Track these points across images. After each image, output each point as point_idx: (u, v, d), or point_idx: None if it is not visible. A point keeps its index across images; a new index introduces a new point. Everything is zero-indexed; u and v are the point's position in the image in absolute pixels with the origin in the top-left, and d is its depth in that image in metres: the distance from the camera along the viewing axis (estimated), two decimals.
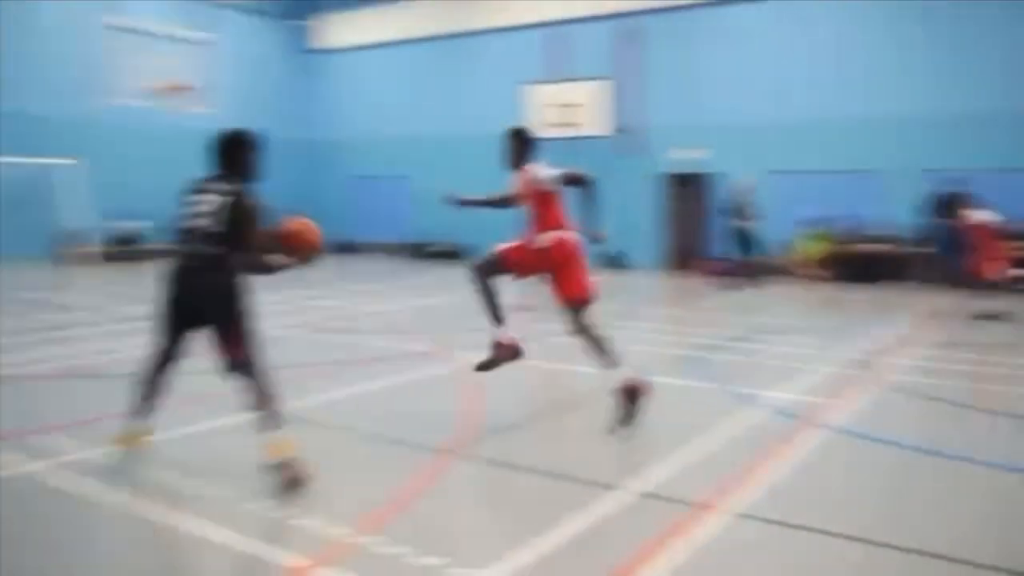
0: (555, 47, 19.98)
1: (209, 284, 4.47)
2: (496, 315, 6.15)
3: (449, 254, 21.46)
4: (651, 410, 5.80)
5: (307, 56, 24.76)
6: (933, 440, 5.30)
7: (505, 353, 6.11)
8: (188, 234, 4.55)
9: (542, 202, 6.08)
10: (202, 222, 4.50)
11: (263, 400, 4.44)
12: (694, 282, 15.35)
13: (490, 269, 6.15)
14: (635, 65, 18.97)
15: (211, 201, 4.55)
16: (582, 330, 5.95)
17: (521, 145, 6.51)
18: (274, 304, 11.99)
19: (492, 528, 4.00)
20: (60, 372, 7.22)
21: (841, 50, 16.63)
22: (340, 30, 24.13)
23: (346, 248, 23.67)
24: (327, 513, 3.95)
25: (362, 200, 23.62)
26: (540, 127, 19.02)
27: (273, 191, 13.27)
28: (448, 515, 4.11)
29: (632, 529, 3.86)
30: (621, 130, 18.80)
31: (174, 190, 16.67)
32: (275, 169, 20.41)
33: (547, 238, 5.99)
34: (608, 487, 4.34)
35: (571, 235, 6.04)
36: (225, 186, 4.62)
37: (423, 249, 22.07)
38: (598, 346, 5.87)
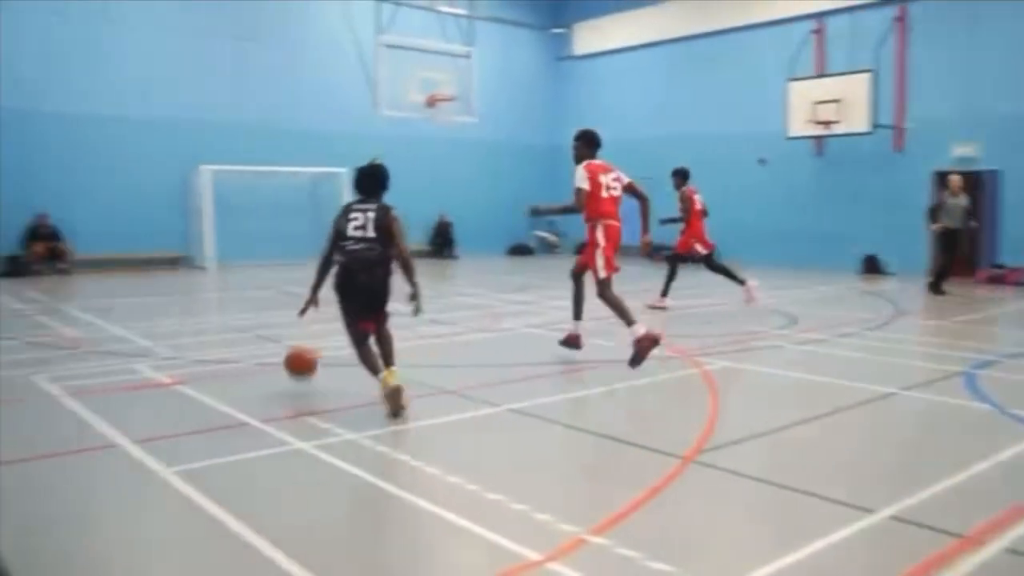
0: (814, 40, 19.00)
1: (379, 274, 5.99)
2: (628, 319, 7.48)
3: (682, 258, 21.11)
4: (917, 431, 5.33)
5: (560, 63, 25.38)
6: None
7: (647, 344, 7.28)
8: (352, 240, 5.95)
9: (590, 200, 7.62)
10: (362, 232, 5.93)
11: (389, 351, 6.05)
12: (963, 289, 13.94)
13: (608, 286, 7.67)
14: (902, 56, 17.57)
15: (364, 216, 5.97)
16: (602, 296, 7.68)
17: (587, 146, 7.86)
18: (519, 304, 12.40)
19: (727, 541, 3.86)
20: (331, 361, 7.91)
21: None
22: (593, 36, 24.45)
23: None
24: (560, 510, 4.00)
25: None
26: (801, 124, 18.19)
27: (522, 194, 13.87)
28: (682, 523, 4.02)
29: (883, 558, 3.56)
30: (885, 126, 17.49)
31: (434, 195, 17.70)
32: (526, 174, 21.13)
33: (600, 234, 7.71)
34: (860, 509, 4.03)
35: (614, 223, 7.73)
36: (372, 206, 6.04)
37: (659, 252, 21.85)
38: (621, 308, 7.56)
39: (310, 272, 6.45)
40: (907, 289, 14.63)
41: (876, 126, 17.24)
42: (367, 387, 6.72)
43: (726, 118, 20.71)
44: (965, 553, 3.54)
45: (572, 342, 8.09)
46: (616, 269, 7.77)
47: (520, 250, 23.89)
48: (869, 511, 4.00)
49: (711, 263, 12.06)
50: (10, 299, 12.68)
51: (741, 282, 11.88)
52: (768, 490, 4.40)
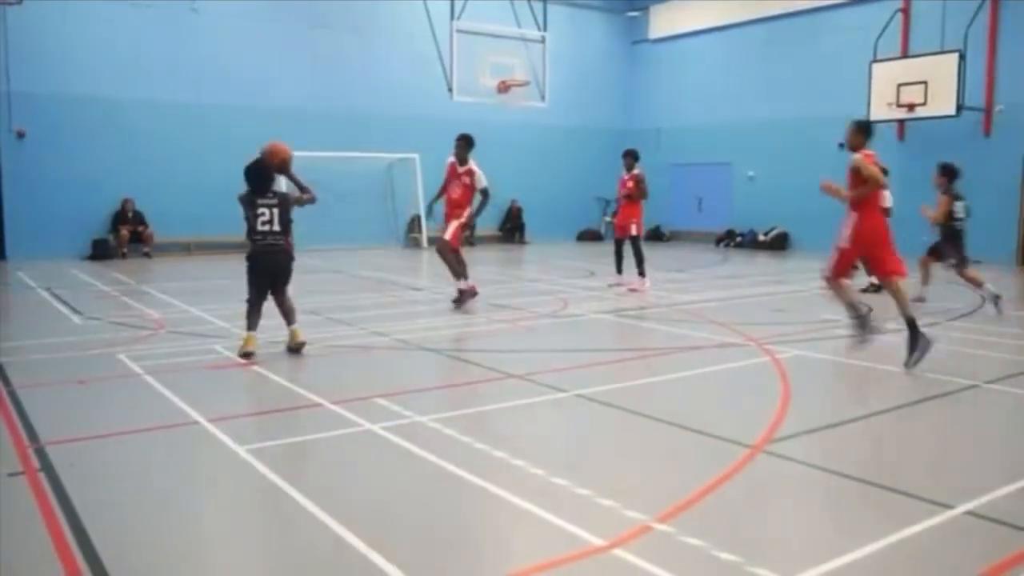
0: (900, 20, 18.35)
1: (282, 261, 7.37)
2: (456, 275, 10.09)
3: (761, 244, 20.75)
4: (999, 426, 5.13)
5: (635, 47, 25.10)
6: None
7: (469, 295, 10.07)
8: (261, 235, 7.24)
9: (465, 190, 10.13)
10: (269, 227, 7.22)
11: (290, 313, 7.46)
12: None
13: (456, 251, 10.09)
14: (992, 36, 16.85)
15: (269, 211, 7.23)
16: (442, 252, 10.24)
17: (468, 147, 10.15)
18: (589, 290, 12.35)
19: (796, 533, 3.79)
20: (402, 345, 8.03)
21: None
22: (668, 19, 24.12)
23: (657, 236, 23.75)
24: (625, 496, 3.98)
25: (680, 188, 23.51)
26: (883, 108, 17.58)
27: (593, 180, 13.68)
28: (750, 513, 3.96)
29: (960, 555, 3.45)
30: (973, 108, 16.80)
31: (505, 180, 17.74)
32: (597, 159, 20.92)
33: (465, 215, 10.19)
34: (936, 504, 3.91)
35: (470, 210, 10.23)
36: (271, 200, 7.29)
37: (733, 238, 21.56)
38: (454, 266, 10.06)
39: (384, 256, 6.56)
40: (994, 278, 14.04)
41: (963, 109, 16.59)
42: (437, 371, 6.83)
43: (805, 102, 20.21)
44: None
45: (469, 293, 10.13)
46: (463, 242, 10.37)
47: (590, 235, 23.79)
48: (946, 506, 3.88)
49: (620, 248, 12.51)
50: (97, 281, 13.21)
51: (641, 274, 12.20)
52: (840, 482, 4.30)
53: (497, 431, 5.25)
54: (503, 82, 18.03)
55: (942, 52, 16.87)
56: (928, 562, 3.40)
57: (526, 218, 22.66)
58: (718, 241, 21.83)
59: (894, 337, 8.47)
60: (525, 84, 18.24)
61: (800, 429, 5.18)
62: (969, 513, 3.83)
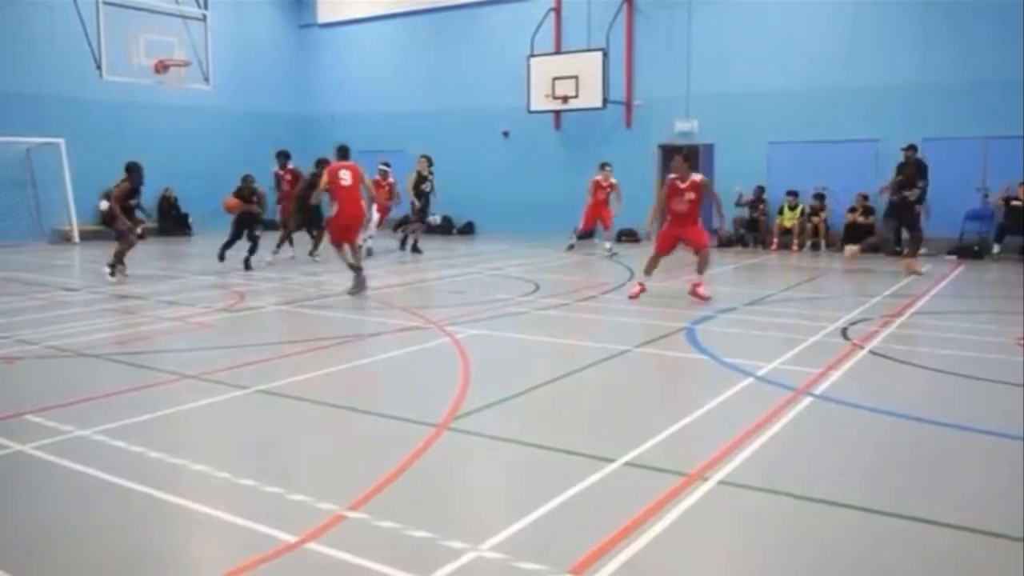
0: (553, 19, 19.81)
1: None
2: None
3: (435, 229, 21.38)
4: (648, 384, 5.77)
5: (302, 31, 24.49)
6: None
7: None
8: None
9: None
10: None
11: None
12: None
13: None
14: (629, 38, 18.85)
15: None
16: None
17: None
18: (267, 281, 11.95)
19: (483, 501, 4.00)
20: (45, 353, 7.19)
21: (858, 20, 16.49)
22: (334, 3, 23.80)
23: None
24: (316, 489, 3.93)
25: None
26: (541, 99, 18.93)
27: (270, 167, 12.81)
28: (439, 490, 4.09)
29: (623, 500, 3.85)
30: (616, 102, 18.69)
31: (161, 167, 16.47)
32: (271, 143, 20.04)
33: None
34: (600, 459, 4.33)
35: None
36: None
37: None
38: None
39: (27, 253, 5.77)
40: (643, 254, 15.79)
41: (608, 102, 18.38)
42: (99, 378, 6.24)
43: (471, 92, 21.09)
44: (690, 488, 3.92)
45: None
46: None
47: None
48: (609, 460, 4.31)
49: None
50: None
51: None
52: (519, 449, 4.60)
53: (174, 437, 4.90)
54: (160, 61, 16.77)
55: (589, 50, 18.56)
56: (598, 509, 3.76)
57: (188, 207, 21.13)
58: (396, 227, 22.03)
59: (557, 312, 9.19)
60: (186, 64, 17.12)
61: (481, 404, 5.45)
62: (628, 464, 4.29)
